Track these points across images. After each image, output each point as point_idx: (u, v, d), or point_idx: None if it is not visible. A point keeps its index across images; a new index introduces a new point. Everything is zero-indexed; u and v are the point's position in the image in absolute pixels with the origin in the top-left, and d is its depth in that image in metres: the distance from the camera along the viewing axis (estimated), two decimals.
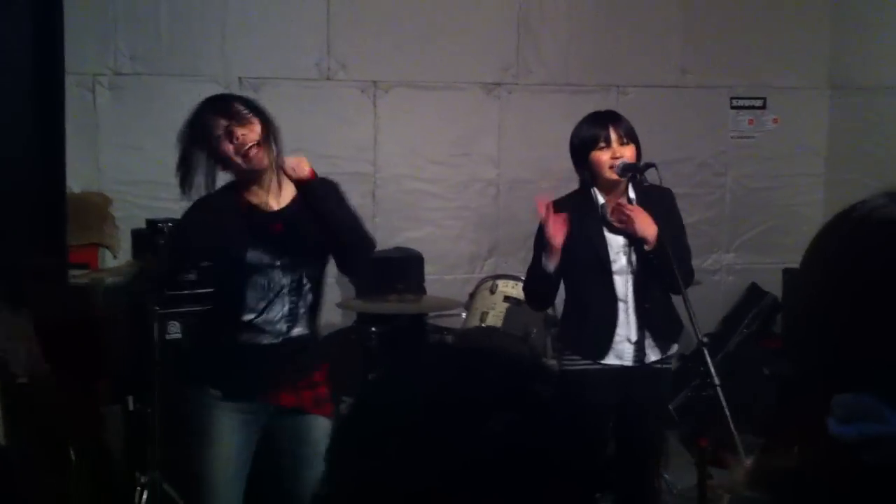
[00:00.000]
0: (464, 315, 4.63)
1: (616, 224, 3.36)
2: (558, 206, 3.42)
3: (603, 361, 3.37)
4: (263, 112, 2.93)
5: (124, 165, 4.75)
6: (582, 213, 3.39)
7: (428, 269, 5.00)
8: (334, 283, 4.81)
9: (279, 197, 2.97)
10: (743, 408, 3.29)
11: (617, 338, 3.38)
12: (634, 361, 3.39)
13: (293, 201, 2.96)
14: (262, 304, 2.93)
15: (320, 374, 3.05)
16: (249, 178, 2.93)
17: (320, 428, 2.97)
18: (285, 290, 2.94)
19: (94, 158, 4.71)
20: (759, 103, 5.73)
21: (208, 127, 2.87)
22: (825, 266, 1.08)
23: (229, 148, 2.84)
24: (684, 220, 5.55)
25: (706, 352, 3.07)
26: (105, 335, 4.14)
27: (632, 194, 3.41)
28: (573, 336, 3.49)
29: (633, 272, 3.38)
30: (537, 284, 3.43)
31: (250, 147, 2.85)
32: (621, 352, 3.39)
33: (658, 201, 3.42)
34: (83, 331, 3.99)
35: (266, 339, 2.95)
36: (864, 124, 5.63)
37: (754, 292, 5.66)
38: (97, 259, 4.54)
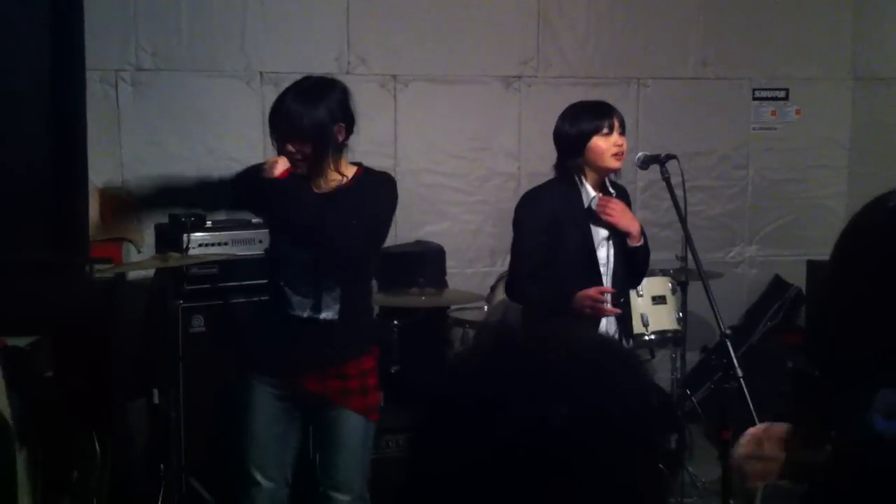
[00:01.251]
0: (485, 308, 4.63)
1: (603, 217, 3.33)
2: (541, 194, 3.39)
3: None
4: (321, 126, 2.95)
5: (146, 160, 4.78)
6: (567, 203, 3.35)
7: (448, 262, 5.00)
8: None
9: (329, 181, 3.02)
10: (766, 400, 3.27)
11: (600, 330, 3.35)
12: None
13: (338, 188, 3.00)
14: (288, 278, 3.01)
15: (355, 367, 3.04)
16: None
17: (344, 420, 3.01)
18: (305, 269, 2.98)
19: (116, 153, 4.74)
20: (781, 94, 5.69)
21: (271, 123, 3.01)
22: (857, 258, 1.06)
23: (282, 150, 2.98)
24: (707, 212, 5.60)
25: (729, 344, 3.05)
26: (128, 328, 4.17)
27: (611, 188, 3.42)
28: None
29: (612, 265, 3.37)
30: (533, 303, 3.41)
31: (296, 160, 2.96)
32: None
33: (623, 196, 3.46)
34: (106, 324, 4.02)
35: (293, 313, 3.00)
36: (887, 115, 5.58)
37: (778, 284, 5.63)
38: (121, 253, 4.56)
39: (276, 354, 3.04)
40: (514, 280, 3.49)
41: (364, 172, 3.09)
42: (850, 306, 1.04)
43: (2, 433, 2.99)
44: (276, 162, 2.93)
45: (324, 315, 3.00)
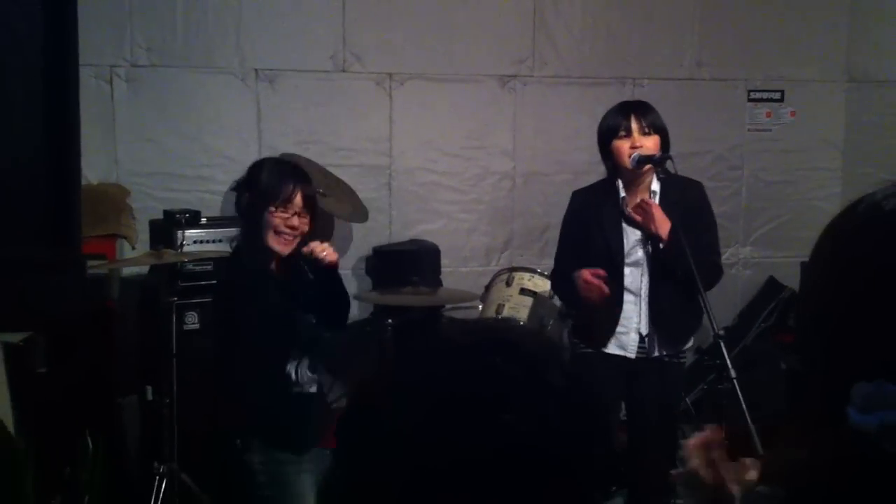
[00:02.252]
0: (480, 307, 4.63)
1: (635, 218, 3.37)
2: (582, 195, 3.47)
3: (605, 350, 3.39)
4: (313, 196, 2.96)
5: (141, 157, 4.77)
6: (602, 203, 3.41)
7: (443, 261, 5.00)
8: (351, 276, 4.82)
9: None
10: (759, 401, 3.27)
11: (620, 328, 3.39)
12: (639, 354, 3.39)
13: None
14: (296, 360, 2.98)
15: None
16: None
17: None
18: (317, 348, 3.02)
19: (111, 150, 4.73)
20: (776, 96, 5.70)
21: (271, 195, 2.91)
22: (834, 258, 1.06)
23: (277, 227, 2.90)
24: None
25: (723, 345, 3.06)
26: (122, 325, 4.17)
27: (655, 187, 3.41)
28: (582, 324, 3.55)
29: (648, 266, 3.38)
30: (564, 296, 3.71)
31: (296, 237, 2.91)
32: (625, 343, 3.39)
33: (685, 194, 3.44)
34: (100, 321, 4.01)
35: (303, 391, 2.99)
36: (881, 117, 5.59)
37: (772, 286, 5.64)
38: (115, 250, 4.55)
39: (298, 434, 2.99)
40: (552, 276, 3.76)
41: None
42: (846, 306, 1.05)
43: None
44: (325, 248, 2.90)
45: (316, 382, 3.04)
